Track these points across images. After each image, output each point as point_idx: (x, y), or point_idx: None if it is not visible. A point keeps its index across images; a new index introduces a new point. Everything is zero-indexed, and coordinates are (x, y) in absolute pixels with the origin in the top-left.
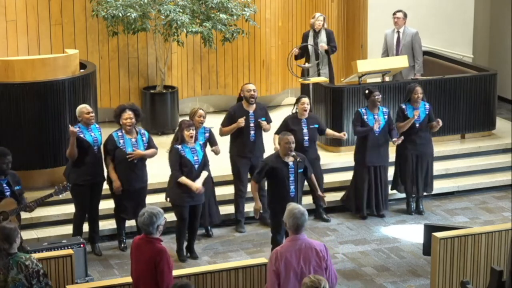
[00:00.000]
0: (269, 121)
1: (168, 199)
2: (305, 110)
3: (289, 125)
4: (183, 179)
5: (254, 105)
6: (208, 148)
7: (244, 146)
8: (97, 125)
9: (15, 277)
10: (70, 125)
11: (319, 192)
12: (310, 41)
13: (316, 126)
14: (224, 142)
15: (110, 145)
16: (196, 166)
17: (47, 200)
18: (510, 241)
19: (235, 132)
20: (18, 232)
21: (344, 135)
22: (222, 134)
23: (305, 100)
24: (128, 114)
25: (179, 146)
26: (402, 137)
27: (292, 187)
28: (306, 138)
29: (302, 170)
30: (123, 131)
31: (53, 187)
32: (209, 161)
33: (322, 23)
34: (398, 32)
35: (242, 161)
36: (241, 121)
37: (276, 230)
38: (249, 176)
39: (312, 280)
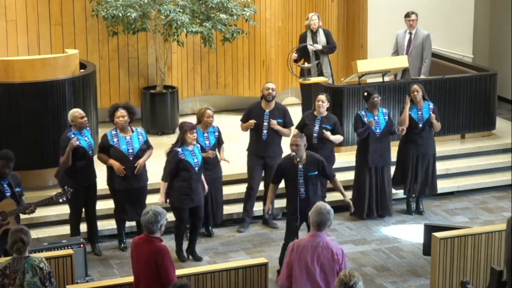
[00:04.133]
0: (288, 124)
1: (167, 200)
2: (320, 107)
3: (305, 120)
4: (163, 186)
5: (273, 105)
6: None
7: (257, 144)
8: (88, 128)
9: (31, 280)
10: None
11: (345, 198)
12: (309, 42)
13: (329, 127)
14: (243, 140)
15: (103, 143)
16: (196, 168)
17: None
18: (510, 229)
19: (252, 130)
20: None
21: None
22: (241, 129)
23: (321, 97)
24: (121, 112)
25: (179, 149)
26: (405, 128)
27: (302, 189)
28: (315, 135)
29: (315, 173)
30: (117, 130)
31: (53, 187)
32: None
33: (318, 23)
34: (411, 33)
35: (256, 160)
36: (252, 122)
37: (287, 229)
38: (262, 174)
39: (345, 274)
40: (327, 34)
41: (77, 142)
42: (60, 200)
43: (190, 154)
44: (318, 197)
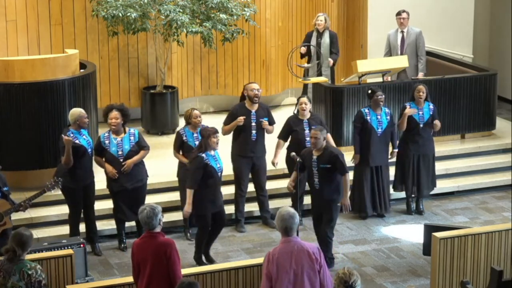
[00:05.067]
0: (272, 122)
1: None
2: (304, 110)
3: (292, 126)
4: (191, 193)
5: (257, 105)
6: None
7: (245, 145)
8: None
9: (16, 284)
10: (62, 135)
11: (344, 198)
12: (313, 41)
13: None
14: (226, 142)
15: (97, 145)
16: (219, 173)
17: (46, 200)
18: None
19: (237, 131)
20: (33, 239)
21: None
22: (223, 132)
23: (303, 99)
24: (114, 114)
25: (203, 155)
26: (396, 151)
27: (316, 179)
28: (308, 139)
29: (327, 166)
30: (110, 132)
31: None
32: None
33: (324, 23)
34: (402, 32)
35: (243, 161)
36: (240, 119)
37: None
38: (250, 176)
39: (344, 272)
40: (332, 37)
41: (71, 137)
42: (52, 191)
43: (213, 159)
44: (333, 192)
